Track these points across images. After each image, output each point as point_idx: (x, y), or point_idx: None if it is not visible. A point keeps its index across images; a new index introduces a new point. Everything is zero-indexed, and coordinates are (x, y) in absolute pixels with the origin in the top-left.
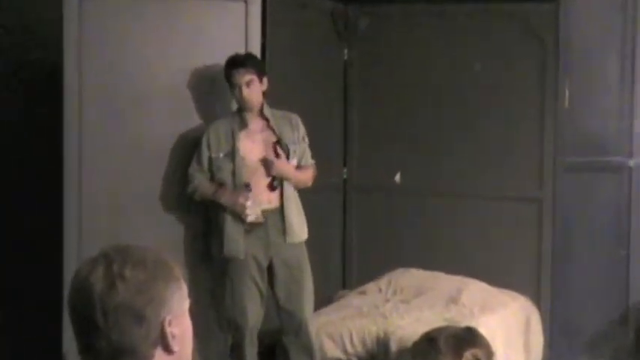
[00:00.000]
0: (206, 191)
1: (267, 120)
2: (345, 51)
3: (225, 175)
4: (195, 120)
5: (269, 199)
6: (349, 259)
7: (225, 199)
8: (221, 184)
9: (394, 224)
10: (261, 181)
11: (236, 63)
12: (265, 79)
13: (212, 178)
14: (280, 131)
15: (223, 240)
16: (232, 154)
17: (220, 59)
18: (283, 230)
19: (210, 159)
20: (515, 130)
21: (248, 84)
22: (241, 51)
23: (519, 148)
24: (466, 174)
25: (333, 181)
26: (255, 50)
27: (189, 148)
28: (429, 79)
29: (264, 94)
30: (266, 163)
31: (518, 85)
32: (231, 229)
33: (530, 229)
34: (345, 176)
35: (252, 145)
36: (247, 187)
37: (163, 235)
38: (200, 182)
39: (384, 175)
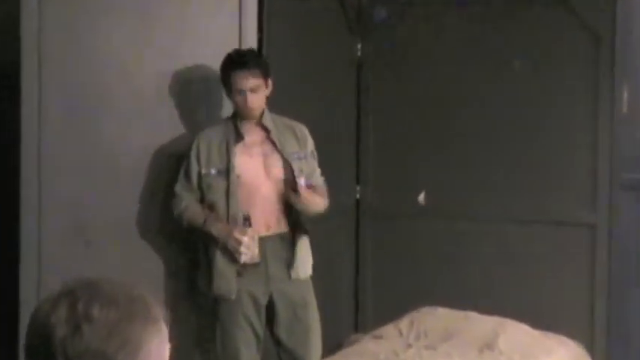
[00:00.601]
0: (195, 217)
1: (267, 131)
2: (358, 46)
3: (218, 196)
4: (178, 129)
5: (267, 224)
6: (363, 296)
7: (217, 230)
8: (211, 207)
9: (417, 254)
10: (259, 205)
11: (238, 64)
12: (270, 82)
13: (202, 199)
14: (283, 144)
15: (212, 275)
16: (227, 171)
17: (208, 57)
18: (288, 263)
19: (199, 175)
20: (562, 141)
21: (254, 90)
22: (233, 48)
23: (568, 162)
24: (503, 194)
25: (344, 203)
26: (250, 46)
27: (170, 162)
28: (458, 81)
29: (267, 99)
30: (287, 188)
31: (566, 88)
32: (222, 264)
33: (581, 259)
34: (357, 197)
35: (249, 161)
36: (247, 220)
37: (140, 266)
38: (189, 204)
39: (405, 196)
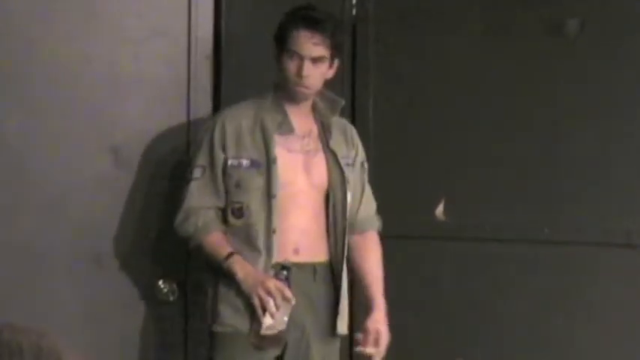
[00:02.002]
0: (217, 246)
1: (326, 120)
2: (353, 2)
3: (251, 198)
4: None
5: (296, 248)
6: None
7: (244, 273)
8: (238, 213)
9: (436, 288)
10: (292, 219)
11: (308, 20)
12: (337, 63)
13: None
14: (335, 143)
15: (217, 306)
16: (267, 162)
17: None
18: (328, 309)
19: (225, 166)
20: (625, 141)
21: (316, 60)
22: (180, 17)
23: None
24: (550, 208)
25: None
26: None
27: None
28: (490, 49)
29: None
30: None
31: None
32: (235, 295)
33: None
34: None
35: (286, 156)
36: (286, 272)
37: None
38: (210, 222)
39: (418, 208)
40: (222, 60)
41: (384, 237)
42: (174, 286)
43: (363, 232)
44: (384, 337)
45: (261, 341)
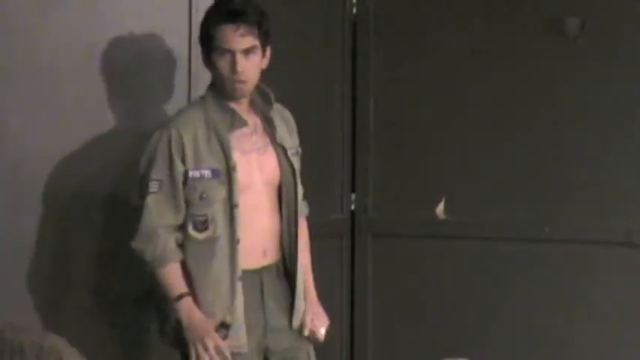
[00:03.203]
0: (172, 281)
1: (266, 115)
2: (353, 1)
3: (216, 211)
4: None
5: (264, 249)
6: (360, 343)
7: (190, 320)
8: (202, 227)
9: (434, 286)
10: (256, 222)
11: (228, 13)
12: (269, 51)
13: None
14: (281, 136)
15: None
16: (227, 170)
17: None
18: (289, 308)
19: (185, 179)
20: (625, 140)
21: (247, 52)
22: (180, 14)
23: (635, 168)
24: (550, 207)
25: (334, 218)
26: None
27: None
28: (490, 48)
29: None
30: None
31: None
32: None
33: None
34: (352, 208)
35: (241, 158)
36: (224, 330)
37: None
38: (168, 252)
39: (418, 207)
40: None
41: (384, 235)
42: None
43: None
44: (324, 321)
45: None
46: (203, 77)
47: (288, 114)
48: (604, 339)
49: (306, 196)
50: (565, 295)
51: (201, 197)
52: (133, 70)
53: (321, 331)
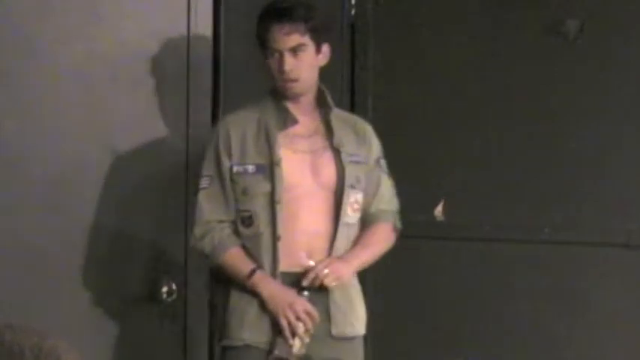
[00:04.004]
0: (238, 264)
1: (324, 116)
2: (352, 2)
3: (258, 206)
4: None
5: (310, 253)
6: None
7: (269, 291)
8: (247, 222)
9: (431, 288)
10: (302, 224)
11: (275, 13)
12: (327, 48)
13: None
14: (340, 139)
15: (227, 319)
16: (270, 167)
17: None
18: (328, 315)
19: (230, 174)
20: (625, 141)
21: (294, 50)
22: (179, 17)
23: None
24: (550, 208)
25: None
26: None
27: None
28: (489, 50)
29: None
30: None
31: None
32: (245, 306)
33: None
34: None
35: (292, 157)
36: (305, 293)
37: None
38: (227, 240)
39: (416, 208)
40: (221, 61)
41: None
42: (173, 286)
43: (373, 223)
44: (335, 264)
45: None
46: (201, 79)
47: (363, 123)
48: (603, 340)
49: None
50: (564, 297)
51: (244, 192)
52: (131, 72)
53: (310, 262)
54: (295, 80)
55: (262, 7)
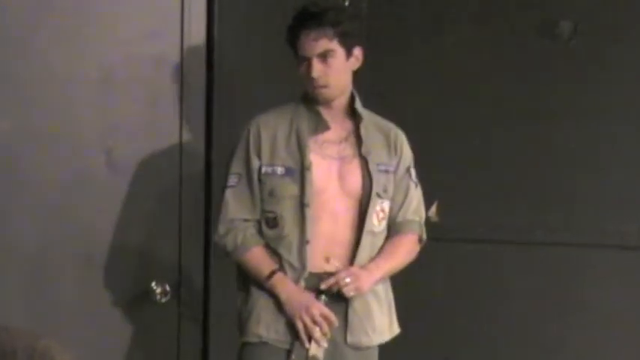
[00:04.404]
0: (259, 264)
1: (356, 123)
2: (346, 3)
3: (285, 209)
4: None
5: (327, 256)
6: None
7: (287, 294)
8: (272, 223)
9: (425, 289)
10: (324, 228)
11: (303, 18)
12: (359, 51)
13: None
14: (369, 148)
15: (246, 316)
16: (301, 169)
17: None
18: (345, 323)
19: (259, 175)
20: (619, 142)
21: (323, 56)
22: (172, 18)
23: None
24: (543, 210)
25: None
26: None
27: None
28: (483, 50)
29: (354, 76)
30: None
31: (635, 62)
32: (264, 304)
33: None
34: None
35: (321, 163)
36: (322, 296)
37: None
38: (250, 239)
39: None
40: (214, 62)
41: None
42: (167, 287)
43: (398, 233)
44: (356, 274)
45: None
46: (195, 79)
47: (396, 132)
48: (599, 341)
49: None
50: (559, 298)
51: (270, 194)
52: (125, 73)
53: (336, 264)
54: (325, 86)
55: (296, 13)
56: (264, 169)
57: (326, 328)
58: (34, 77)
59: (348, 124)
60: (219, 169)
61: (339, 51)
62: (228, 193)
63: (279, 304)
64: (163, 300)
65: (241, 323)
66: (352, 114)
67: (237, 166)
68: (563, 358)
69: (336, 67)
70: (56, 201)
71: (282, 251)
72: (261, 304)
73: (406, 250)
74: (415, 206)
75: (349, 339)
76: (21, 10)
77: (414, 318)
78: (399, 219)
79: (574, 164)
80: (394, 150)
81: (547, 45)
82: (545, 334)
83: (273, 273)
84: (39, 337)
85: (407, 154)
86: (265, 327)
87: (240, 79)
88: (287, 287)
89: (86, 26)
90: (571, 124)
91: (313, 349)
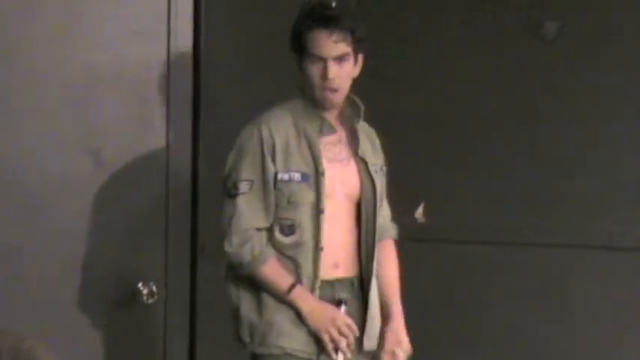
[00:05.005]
0: (277, 277)
1: (353, 127)
2: (333, 4)
3: (303, 216)
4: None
5: (336, 262)
6: None
7: (310, 307)
8: (288, 230)
9: (411, 290)
10: (329, 233)
11: (321, 17)
12: (361, 58)
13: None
14: (364, 150)
15: (264, 328)
16: (316, 175)
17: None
18: (362, 328)
19: (275, 179)
20: (605, 144)
21: (340, 59)
22: (159, 19)
23: (626, 170)
24: (530, 211)
25: None
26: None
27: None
28: (469, 51)
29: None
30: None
31: (621, 62)
32: (287, 315)
33: None
34: None
35: (329, 168)
36: (343, 305)
37: None
38: (265, 250)
39: (396, 210)
40: (201, 63)
41: None
42: (154, 288)
43: (381, 240)
44: (405, 346)
45: None
46: (181, 82)
47: (372, 132)
48: (585, 341)
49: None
50: (545, 299)
51: (289, 201)
52: (111, 74)
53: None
54: (336, 90)
55: (304, 9)
56: (280, 176)
57: (352, 338)
58: (19, 78)
59: (340, 127)
60: (205, 169)
61: (352, 56)
62: (241, 201)
63: (298, 314)
64: (150, 301)
65: (254, 333)
66: (345, 117)
67: (248, 172)
68: (549, 358)
69: (347, 72)
70: (43, 202)
71: (300, 259)
72: (281, 315)
73: (397, 263)
74: (386, 204)
75: (366, 344)
76: (7, 11)
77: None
78: (381, 220)
79: (560, 165)
80: (376, 149)
81: (532, 46)
82: (531, 334)
83: (293, 286)
84: (24, 338)
85: (381, 152)
86: (288, 338)
87: (226, 81)
88: (308, 301)
89: (73, 27)
90: (557, 124)
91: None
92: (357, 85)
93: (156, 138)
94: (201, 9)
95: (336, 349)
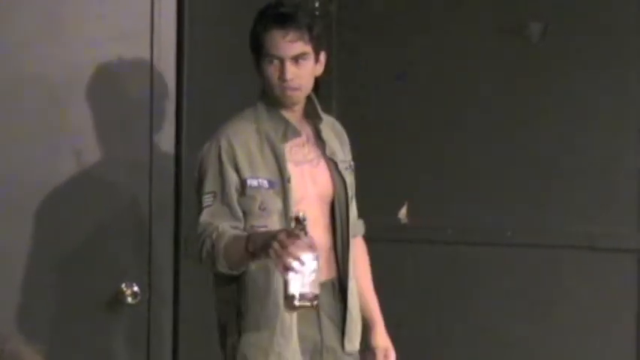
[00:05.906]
0: (235, 241)
1: (314, 124)
2: (316, 5)
3: (273, 219)
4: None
5: (328, 266)
6: None
7: (254, 235)
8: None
9: (395, 290)
10: (313, 233)
11: (276, 17)
12: (324, 56)
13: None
14: (332, 148)
15: (246, 351)
16: (282, 182)
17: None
18: (342, 329)
19: (243, 187)
20: (587, 144)
21: (297, 58)
22: (142, 19)
23: (608, 171)
24: (522, 209)
25: None
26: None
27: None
28: (453, 51)
29: (317, 81)
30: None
31: (606, 63)
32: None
33: (626, 295)
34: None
35: (297, 172)
36: (300, 223)
37: None
38: (223, 231)
39: (380, 210)
40: (185, 63)
41: None
42: (137, 289)
43: (356, 238)
44: (392, 352)
45: (295, 309)
46: (164, 80)
47: (340, 127)
48: (567, 343)
49: (360, 215)
50: (528, 300)
51: (260, 207)
52: (93, 75)
53: None
54: (297, 89)
55: (259, 11)
56: (249, 182)
57: (298, 254)
58: (1, 79)
59: (306, 127)
60: (189, 170)
61: (311, 54)
62: (205, 214)
63: (295, 334)
64: (133, 302)
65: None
66: (307, 115)
67: (210, 185)
68: (531, 357)
69: (307, 70)
70: (25, 202)
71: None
72: (263, 339)
73: (368, 263)
74: (355, 203)
75: (347, 346)
76: None
77: (385, 318)
78: (352, 219)
79: (543, 166)
80: (344, 144)
81: (517, 46)
82: (515, 334)
83: (248, 238)
84: (7, 339)
85: (348, 147)
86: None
87: (210, 81)
88: (258, 235)
89: (55, 27)
90: (541, 125)
91: (293, 284)
92: (342, 82)
93: (139, 138)
94: (184, 9)
95: (287, 269)
